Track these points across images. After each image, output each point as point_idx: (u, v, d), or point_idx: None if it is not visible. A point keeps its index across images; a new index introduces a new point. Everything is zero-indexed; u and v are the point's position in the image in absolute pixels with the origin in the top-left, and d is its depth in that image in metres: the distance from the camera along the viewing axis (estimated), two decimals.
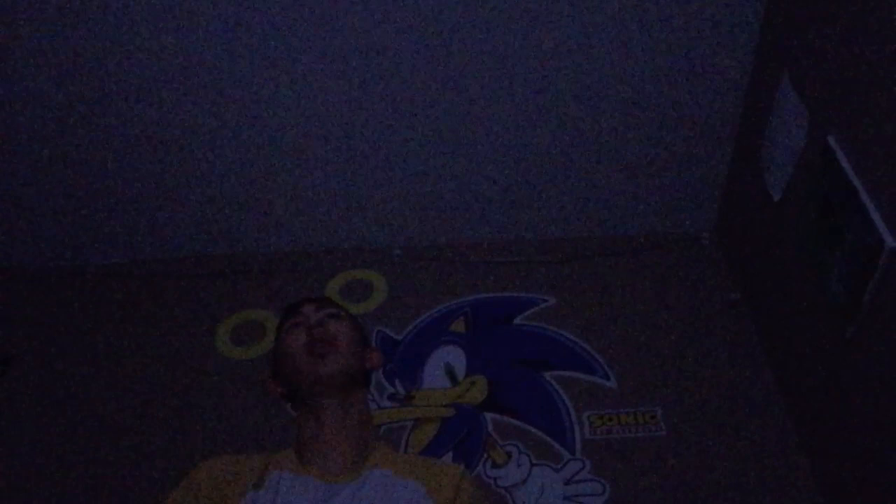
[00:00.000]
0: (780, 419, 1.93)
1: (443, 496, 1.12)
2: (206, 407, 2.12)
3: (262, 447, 1.26)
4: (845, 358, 1.56)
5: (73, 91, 2.16)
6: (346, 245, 2.56)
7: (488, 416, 2.03)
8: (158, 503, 1.16)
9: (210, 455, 1.22)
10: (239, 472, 1.17)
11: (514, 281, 2.41)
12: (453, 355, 2.20)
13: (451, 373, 2.16)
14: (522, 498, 1.84)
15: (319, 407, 1.20)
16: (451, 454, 1.95)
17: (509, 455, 1.93)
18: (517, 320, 2.29)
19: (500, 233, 2.53)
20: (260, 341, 2.29)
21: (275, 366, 1.29)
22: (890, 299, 1.35)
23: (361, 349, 1.29)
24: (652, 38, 2.02)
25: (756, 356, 2.09)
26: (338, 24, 2.02)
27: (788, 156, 1.78)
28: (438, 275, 2.45)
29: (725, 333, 2.17)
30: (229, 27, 2.02)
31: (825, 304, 1.62)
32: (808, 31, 1.68)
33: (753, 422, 1.94)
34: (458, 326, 2.29)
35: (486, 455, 1.94)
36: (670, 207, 2.44)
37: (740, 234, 2.29)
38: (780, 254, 1.94)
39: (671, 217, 2.47)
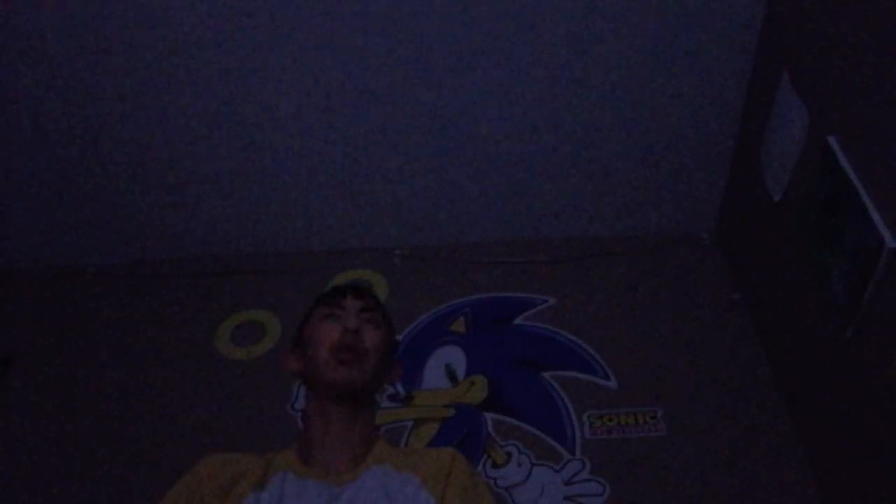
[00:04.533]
0: (780, 419, 1.93)
1: (437, 482, 1.13)
2: (206, 407, 2.12)
3: (263, 448, 1.26)
4: (845, 358, 1.56)
5: (73, 91, 2.16)
6: (346, 245, 2.56)
7: (488, 416, 2.03)
8: (161, 498, 1.16)
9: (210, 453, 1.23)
10: (241, 471, 1.17)
11: (514, 281, 2.41)
12: (453, 355, 2.20)
13: (451, 373, 2.16)
14: (522, 498, 1.84)
15: (328, 410, 1.19)
16: None
17: (509, 455, 1.93)
18: (517, 320, 2.29)
19: (500, 233, 2.52)
20: (260, 341, 2.29)
21: (298, 340, 1.26)
22: (890, 299, 1.35)
23: (386, 363, 1.26)
24: (652, 38, 2.02)
25: (756, 356, 2.09)
26: (337, 25, 2.02)
27: (788, 156, 1.78)
28: (438, 275, 2.45)
29: (725, 333, 2.17)
30: (229, 26, 2.02)
31: (825, 305, 1.62)
32: (809, 31, 1.68)
33: (753, 422, 1.94)
34: (458, 326, 2.29)
35: (486, 455, 1.94)
36: (670, 207, 2.44)
37: (740, 234, 2.28)
38: (780, 254, 1.93)
39: (671, 217, 2.47)
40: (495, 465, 1.91)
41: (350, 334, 1.19)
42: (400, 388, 2.12)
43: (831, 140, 1.53)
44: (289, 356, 1.28)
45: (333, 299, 1.27)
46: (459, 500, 1.13)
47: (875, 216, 1.37)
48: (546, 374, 2.12)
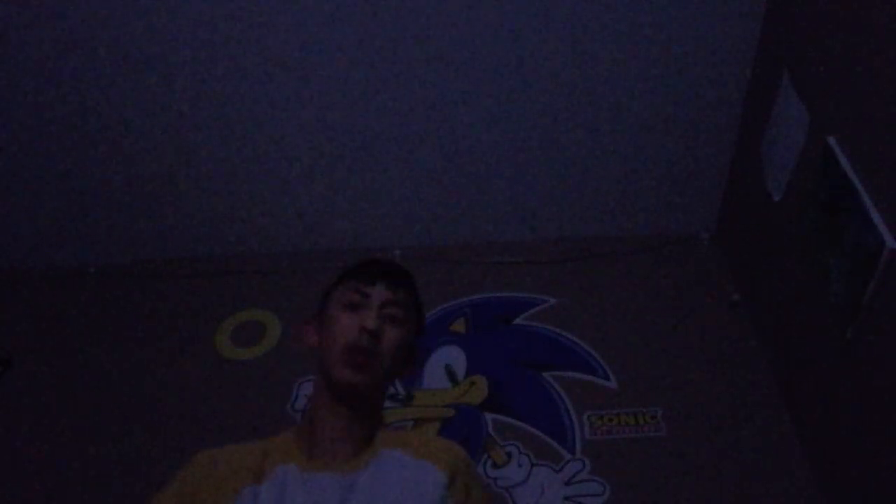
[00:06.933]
0: (780, 419, 1.93)
1: (450, 471, 1.11)
2: (206, 407, 2.12)
3: None
4: (845, 358, 1.56)
5: (74, 92, 2.16)
6: (346, 245, 2.56)
7: (488, 416, 2.03)
8: (156, 496, 1.16)
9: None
10: (235, 462, 1.14)
11: (514, 281, 2.41)
12: (453, 355, 2.20)
13: (451, 373, 2.16)
14: (522, 498, 1.84)
15: (333, 401, 1.17)
16: None
17: (509, 455, 1.93)
18: (517, 320, 2.29)
19: (501, 233, 2.52)
20: (260, 341, 2.29)
21: (319, 315, 1.21)
22: (890, 299, 1.35)
23: (401, 361, 1.20)
24: (652, 39, 2.02)
25: (756, 356, 2.09)
26: (340, 28, 2.02)
27: (788, 156, 1.78)
28: (438, 275, 2.44)
29: (725, 333, 2.17)
30: (232, 29, 2.03)
31: (825, 305, 1.62)
32: (809, 31, 1.68)
33: (753, 422, 1.94)
34: (458, 326, 2.29)
35: (486, 455, 1.94)
36: (670, 207, 2.44)
37: (740, 234, 2.28)
38: (780, 254, 1.93)
39: (671, 217, 2.47)
40: (495, 466, 1.91)
41: (367, 336, 1.14)
42: (400, 388, 2.12)
43: (831, 140, 1.53)
44: (309, 330, 1.21)
45: (361, 282, 1.21)
46: (473, 492, 1.12)
47: (875, 216, 1.37)
48: (546, 374, 2.12)
